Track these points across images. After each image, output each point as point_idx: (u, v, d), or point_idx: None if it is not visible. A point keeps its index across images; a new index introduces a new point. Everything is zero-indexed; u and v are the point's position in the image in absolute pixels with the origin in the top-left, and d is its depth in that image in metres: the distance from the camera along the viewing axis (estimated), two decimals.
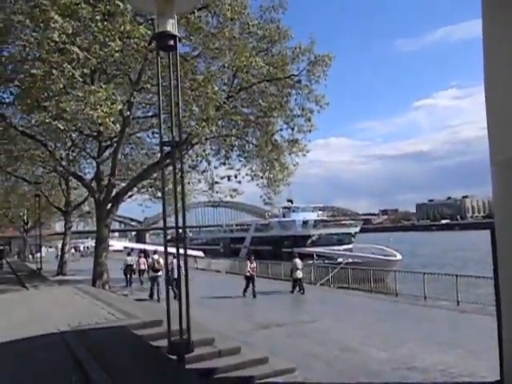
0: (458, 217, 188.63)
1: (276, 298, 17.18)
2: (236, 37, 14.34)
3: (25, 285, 15.78)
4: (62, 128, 11.45)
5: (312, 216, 63.44)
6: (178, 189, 6.14)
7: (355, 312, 13.68)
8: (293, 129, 18.66)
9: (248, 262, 17.79)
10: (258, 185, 21.33)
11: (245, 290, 17.01)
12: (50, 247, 61.87)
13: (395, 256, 34.73)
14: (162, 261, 17.00)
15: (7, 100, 17.64)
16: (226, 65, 14.64)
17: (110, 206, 19.22)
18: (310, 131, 18.30)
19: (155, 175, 22.55)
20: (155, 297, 16.59)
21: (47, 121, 10.86)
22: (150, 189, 25.34)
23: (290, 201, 63.68)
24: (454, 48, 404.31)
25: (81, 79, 10.63)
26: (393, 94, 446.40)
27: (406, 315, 13.07)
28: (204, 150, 17.63)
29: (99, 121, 10.57)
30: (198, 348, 7.05)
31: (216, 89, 13.76)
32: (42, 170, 30.36)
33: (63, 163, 19.91)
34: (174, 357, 5.95)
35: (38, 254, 49.97)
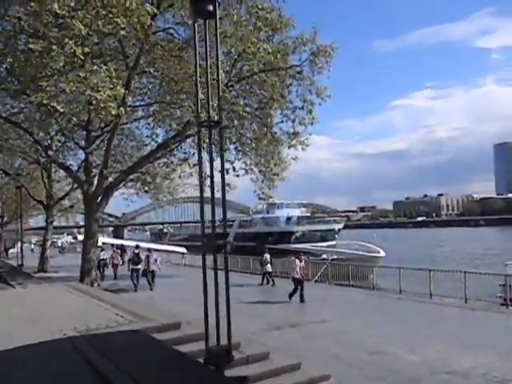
0: (434, 214, 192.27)
1: (274, 294, 16.62)
2: (242, 21, 13.56)
3: (9, 282, 14.63)
4: (62, 111, 10.45)
5: (296, 212, 63.05)
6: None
7: (364, 310, 13.16)
8: (293, 121, 17.99)
9: (297, 260, 15.55)
10: (251, 179, 20.63)
11: (291, 295, 14.68)
12: (24, 243, 59.38)
13: (379, 252, 34.72)
14: (141, 255, 19.02)
15: None
16: (233, 50, 13.83)
17: (99, 199, 18.16)
18: (311, 124, 17.61)
19: (143, 169, 21.66)
20: (136, 287, 18.07)
21: (45, 102, 9.84)
22: (137, 183, 24.25)
23: (270, 197, 62.95)
24: (430, 50, 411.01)
25: (82, 57, 9.68)
26: (371, 93, 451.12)
27: (416, 313, 12.65)
28: (203, 142, 16.70)
29: (101, 104, 9.68)
30: None
31: (223, 75, 12.96)
32: (19, 162, 28.87)
33: (50, 153, 18.66)
34: (212, 366, 5.24)
35: (11, 250, 47.92)
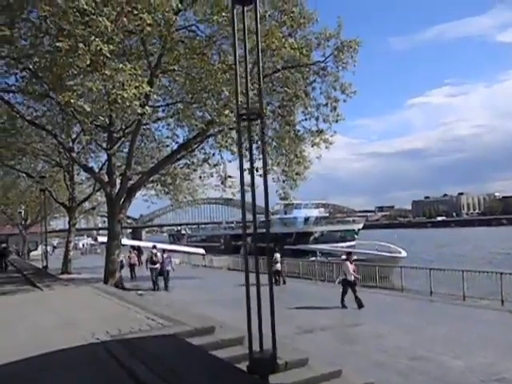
0: (454, 214, 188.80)
1: (296, 295, 16.29)
2: (266, 16, 13.26)
3: (36, 284, 14.60)
4: (88, 110, 10.34)
5: (314, 213, 62.41)
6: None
7: (396, 313, 12.66)
8: (317, 119, 17.62)
9: (347, 262, 14.11)
10: (273, 179, 20.30)
11: (343, 299, 13.53)
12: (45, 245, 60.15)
13: (400, 253, 33.97)
14: (159, 254, 19.92)
15: (13, 88, 16.39)
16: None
17: (122, 200, 18.08)
18: (336, 121, 17.24)
19: (163, 171, 21.58)
20: (155, 286, 18.95)
21: (72, 101, 9.71)
22: (157, 184, 24.15)
23: (291, 197, 62.47)
24: (448, 46, 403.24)
25: (108, 55, 9.53)
26: (387, 91, 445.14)
27: (452, 316, 12.11)
28: (226, 141, 16.49)
29: (127, 103, 9.51)
30: None
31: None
32: (41, 165, 29.20)
33: (73, 155, 18.68)
34: (255, 375, 4.94)
35: (33, 252, 48.58)
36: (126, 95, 9.38)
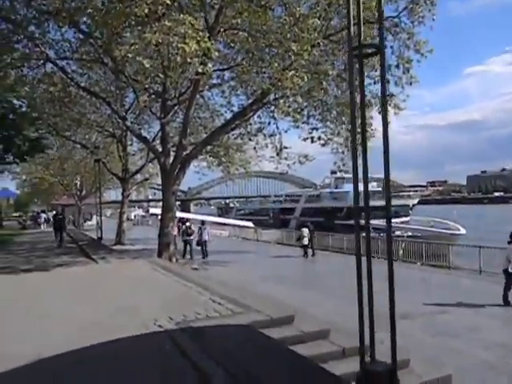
0: None
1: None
2: None
3: (92, 256, 14.31)
4: (148, 66, 9.40)
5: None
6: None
7: (482, 299, 11.09)
8: (388, 81, 15.86)
9: None
10: (332, 150, 18.91)
11: (506, 295, 10.89)
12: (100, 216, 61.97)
13: (459, 230, 31.68)
14: (193, 227, 21.52)
15: (67, 54, 15.86)
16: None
17: (176, 171, 17.40)
18: (410, 84, 15.43)
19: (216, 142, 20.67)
20: (187, 256, 20.02)
21: (130, 55, 8.83)
22: (210, 156, 23.34)
23: (334, 172, 60.71)
24: (509, 9, 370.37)
25: (169, 2, 8.49)
26: (443, 60, 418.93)
27: None
28: (289, 106, 15.15)
29: (188, 59, 8.47)
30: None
31: (318, 22, 11.17)
32: (95, 136, 29.30)
33: (128, 123, 18.10)
34: None
35: (88, 222, 50.06)
36: (187, 49, 8.33)
